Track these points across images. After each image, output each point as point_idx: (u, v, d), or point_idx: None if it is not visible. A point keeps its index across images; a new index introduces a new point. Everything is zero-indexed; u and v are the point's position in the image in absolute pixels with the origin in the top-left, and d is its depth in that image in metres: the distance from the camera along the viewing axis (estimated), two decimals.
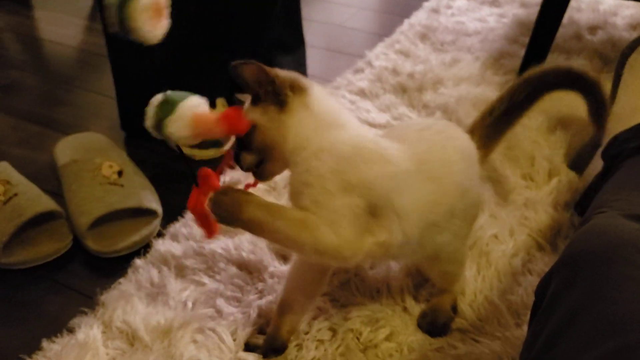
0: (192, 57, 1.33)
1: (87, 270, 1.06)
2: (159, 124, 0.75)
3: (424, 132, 0.86)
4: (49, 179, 1.22)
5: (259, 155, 0.80)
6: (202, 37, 1.33)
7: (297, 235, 0.73)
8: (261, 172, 0.82)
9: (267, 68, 0.78)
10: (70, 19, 1.98)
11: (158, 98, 0.77)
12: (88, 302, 0.97)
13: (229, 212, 0.73)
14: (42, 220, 1.07)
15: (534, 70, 0.95)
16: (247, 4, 1.32)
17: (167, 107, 0.75)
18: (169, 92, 0.77)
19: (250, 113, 0.79)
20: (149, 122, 0.76)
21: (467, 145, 0.88)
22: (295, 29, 1.49)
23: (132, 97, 1.35)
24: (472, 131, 0.96)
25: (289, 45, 1.48)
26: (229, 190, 0.75)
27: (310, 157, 0.76)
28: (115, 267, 1.04)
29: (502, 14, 1.83)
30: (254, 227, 0.75)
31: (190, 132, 0.74)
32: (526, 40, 1.63)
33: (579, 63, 1.54)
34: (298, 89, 0.78)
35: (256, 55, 1.39)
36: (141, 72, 1.32)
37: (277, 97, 0.77)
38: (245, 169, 0.82)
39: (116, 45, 1.30)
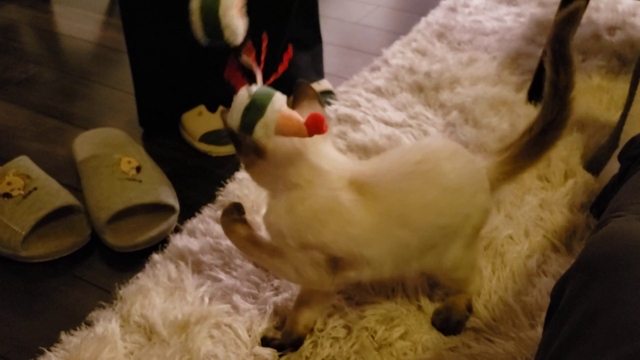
0: (210, 54, 1.34)
1: (105, 265, 1.07)
2: (247, 126, 0.72)
3: (408, 173, 0.81)
4: (67, 173, 1.24)
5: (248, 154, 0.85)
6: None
7: (279, 268, 0.85)
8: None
9: None
10: (88, 13, 1.99)
11: (244, 98, 0.74)
12: (106, 296, 0.99)
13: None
14: (61, 214, 1.09)
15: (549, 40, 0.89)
16: (266, 4, 1.33)
17: (256, 111, 0.72)
18: (254, 91, 0.74)
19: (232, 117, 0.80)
20: (234, 123, 0.73)
21: (461, 177, 0.82)
22: (313, 27, 1.49)
23: (151, 93, 1.37)
24: (507, 149, 0.91)
25: (306, 42, 1.48)
26: (223, 212, 0.87)
27: (275, 208, 0.81)
28: (133, 261, 1.06)
29: (520, 13, 1.82)
30: (243, 249, 0.89)
31: (277, 134, 0.73)
32: (544, 40, 1.63)
33: (596, 64, 1.54)
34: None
35: (274, 53, 1.41)
36: (160, 68, 1.33)
37: (254, 146, 0.78)
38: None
39: (135, 42, 1.31)
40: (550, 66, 0.86)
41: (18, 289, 1.02)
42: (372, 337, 0.89)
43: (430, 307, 0.94)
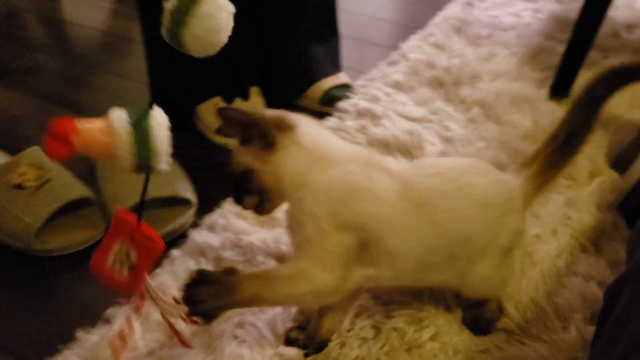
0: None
1: None
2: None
3: (435, 177, 0.81)
4: (78, 164, 1.20)
5: (260, 196, 0.81)
6: (236, 25, 1.30)
7: (297, 289, 0.75)
8: (262, 210, 0.83)
9: (251, 111, 0.80)
10: (96, 1, 1.95)
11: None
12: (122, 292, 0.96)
13: (218, 301, 0.72)
14: (74, 207, 1.05)
15: (580, 91, 0.90)
16: None
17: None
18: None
19: (242, 156, 0.81)
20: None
21: (491, 193, 0.82)
22: (330, 19, 1.46)
23: (166, 83, 1.33)
24: (532, 161, 0.90)
25: (323, 35, 1.45)
26: (212, 275, 0.73)
27: (306, 196, 0.77)
28: None
29: (537, 9, 1.79)
30: (253, 302, 0.76)
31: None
32: (564, 36, 1.60)
33: (617, 62, 1.51)
34: (286, 128, 0.79)
35: (290, 44, 1.38)
36: (176, 57, 1.29)
37: (265, 138, 0.78)
38: (247, 209, 0.83)
39: (151, 30, 1.27)
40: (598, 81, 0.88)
41: (31, 284, 0.99)
42: (402, 338, 0.86)
43: (458, 305, 0.91)
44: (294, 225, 0.80)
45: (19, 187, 1.02)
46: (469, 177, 0.82)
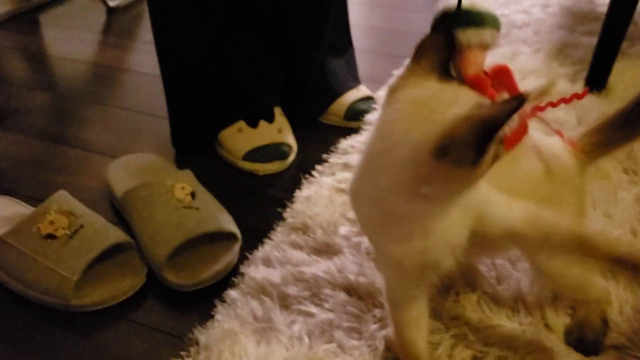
0: (248, 66, 1.22)
1: (167, 307, 0.94)
2: None
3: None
4: (103, 206, 1.10)
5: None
6: (257, 46, 1.22)
7: None
8: None
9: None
10: (83, 35, 1.85)
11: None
12: (179, 344, 0.85)
13: None
14: (110, 254, 0.95)
15: None
16: (305, 7, 1.22)
17: None
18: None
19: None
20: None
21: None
22: (344, 30, 1.38)
23: (185, 110, 1.24)
24: (589, 134, 0.83)
25: (339, 47, 1.37)
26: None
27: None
28: (199, 301, 0.92)
29: (546, 4, 1.75)
30: None
31: None
32: (583, 28, 1.56)
33: None
34: None
35: (313, 60, 1.30)
36: (195, 82, 1.20)
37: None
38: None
39: (168, 55, 1.18)
40: None
41: (74, 344, 0.87)
42: None
43: (558, 322, 0.83)
44: None
45: (51, 237, 0.91)
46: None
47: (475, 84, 0.71)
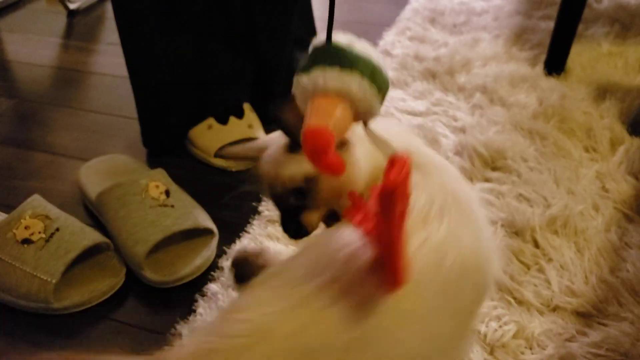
0: (215, 63, 1.23)
1: (149, 304, 0.94)
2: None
3: None
4: (76, 209, 1.10)
5: (327, 206, 0.67)
6: (224, 43, 1.23)
7: None
8: (331, 224, 0.69)
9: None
10: (45, 38, 1.83)
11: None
12: (161, 339, 0.87)
13: None
14: (87, 255, 0.95)
15: None
16: (269, 1, 1.23)
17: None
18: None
19: (295, 166, 0.66)
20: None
21: None
22: (310, 23, 1.40)
23: (154, 108, 1.24)
24: None
25: (305, 40, 1.38)
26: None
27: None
28: (179, 296, 0.94)
29: None
30: None
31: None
32: (540, 13, 1.61)
33: (600, 31, 1.52)
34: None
35: (282, 55, 1.31)
36: (163, 80, 1.20)
37: None
38: (312, 231, 0.68)
39: (135, 53, 1.18)
40: None
41: (59, 347, 0.88)
42: (483, 340, 0.81)
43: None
44: None
45: (27, 241, 0.91)
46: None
47: (314, 137, 0.53)
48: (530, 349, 0.80)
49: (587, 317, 0.84)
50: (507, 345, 0.80)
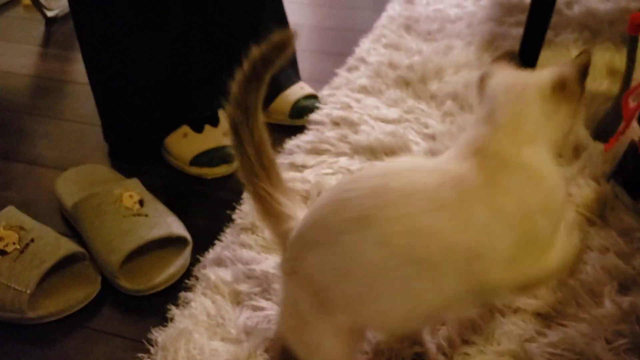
0: (185, 70, 1.25)
1: (124, 312, 0.96)
2: None
3: None
4: (53, 219, 1.12)
5: None
6: (196, 49, 1.25)
7: None
8: None
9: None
10: (21, 46, 1.84)
11: None
12: (138, 347, 0.88)
13: None
14: (63, 265, 0.97)
15: None
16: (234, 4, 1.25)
17: None
18: None
19: None
20: None
21: None
22: (283, 25, 1.42)
23: (122, 119, 1.26)
24: None
25: None
26: None
27: None
28: (153, 304, 0.95)
29: None
30: None
31: None
32: (512, 20, 1.64)
33: (569, 37, 1.55)
34: None
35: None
36: (130, 88, 1.21)
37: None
38: None
39: (95, 59, 1.19)
40: None
41: (34, 357, 0.90)
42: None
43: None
44: None
45: (1, 252, 0.93)
46: None
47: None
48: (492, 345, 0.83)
49: (546, 318, 0.87)
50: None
